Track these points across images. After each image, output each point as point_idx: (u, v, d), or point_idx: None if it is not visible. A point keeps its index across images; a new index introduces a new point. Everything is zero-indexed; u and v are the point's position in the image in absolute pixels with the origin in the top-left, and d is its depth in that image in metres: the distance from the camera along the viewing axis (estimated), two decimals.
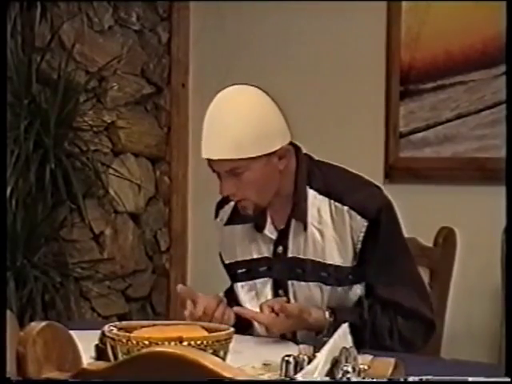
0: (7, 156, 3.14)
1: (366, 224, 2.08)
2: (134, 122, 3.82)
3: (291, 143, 2.13)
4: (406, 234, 2.26)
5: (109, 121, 3.73)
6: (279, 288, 2.15)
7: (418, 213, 3.23)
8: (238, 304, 2.20)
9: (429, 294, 2.22)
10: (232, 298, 2.24)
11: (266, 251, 2.18)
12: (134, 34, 3.84)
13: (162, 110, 3.96)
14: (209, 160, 2.07)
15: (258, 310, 2.08)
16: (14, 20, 3.35)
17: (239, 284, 2.22)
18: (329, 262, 2.10)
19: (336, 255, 2.10)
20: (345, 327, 1.54)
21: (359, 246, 2.09)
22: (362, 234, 2.08)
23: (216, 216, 2.32)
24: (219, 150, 2.03)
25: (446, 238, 2.48)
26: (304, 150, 2.21)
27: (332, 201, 2.11)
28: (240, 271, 2.22)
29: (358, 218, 2.08)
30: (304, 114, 3.38)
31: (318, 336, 2.05)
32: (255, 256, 2.19)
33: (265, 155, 2.05)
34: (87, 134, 3.60)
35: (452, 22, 3.24)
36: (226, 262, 2.28)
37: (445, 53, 3.25)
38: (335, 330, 1.89)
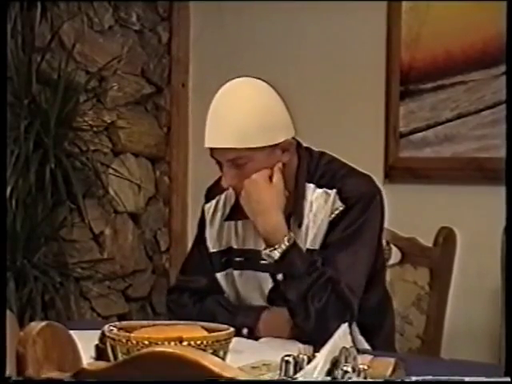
0: (7, 156, 3.14)
1: (341, 208, 2.07)
2: (133, 122, 3.82)
3: (293, 138, 2.13)
4: (383, 238, 2.24)
5: (109, 121, 3.73)
6: (276, 282, 2.15)
7: (418, 213, 3.24)
8: (221, 292, 2.21)
9: (357, 292, 2.07)
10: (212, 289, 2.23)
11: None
12: (134, 34, 3.84)
13: (161, 109, 3.96)
14: (211, 149, 2.06)
15: (262, 302, 2.13)
16: (14, 20, 3.35)
17: (235, 272, 2.20)
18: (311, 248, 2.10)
19: (314, 240, 2.10)
20: (345, 327, 1.54)
21: (325, 227, 2.08)
22: (333, 216, 2.08)
23: (206, 202, 2.29)
24: (222, 138, 2.02)
25: (446, 238, 2.48)
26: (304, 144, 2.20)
27: (324, 189, 2.11)
28: (238, 259, 2.21)
29: (338, 202, 2.08)
30: (304, 113, 3.37)
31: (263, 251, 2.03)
32: (255, 248, 2.16)
33: (268, 147, 2.05)
34: (87, 134, 3.60)
35: (452, 22, 3.24)
36: (214, 250, 2.24)
37: (445, 53, 3.25)
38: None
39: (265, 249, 2.04)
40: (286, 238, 2.02)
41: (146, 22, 3.88)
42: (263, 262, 2.13)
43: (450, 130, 3.26)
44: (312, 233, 2.10)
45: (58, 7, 3.54)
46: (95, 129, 3.65)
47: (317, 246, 2.09)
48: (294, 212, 2.13)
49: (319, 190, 2.12)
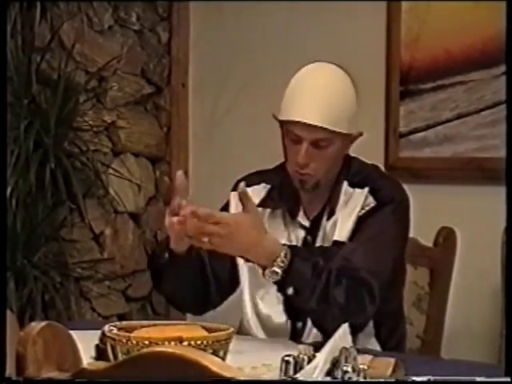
0: (7, 156, 3.13)
1: (372, 205, 2.07)
2: (133, 122, 3.82)
3: None
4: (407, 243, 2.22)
5: (109, 121, 3.73)
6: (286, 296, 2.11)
7: (417, 213, 3.23)
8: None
9: (378, 276, 2.03)
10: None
11: (294, 239, 2.13)
12: (133, 34, 3.84)
13: (162, 110, 3.96)
14: (292, 123, 2.03)
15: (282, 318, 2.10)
16: (14, 20, 3.35)
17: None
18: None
19: (341, 233, 2.09)
20: (345, 327, 1.54)
21: (354, 221, 2.07)
22: (364, 212, 2.07)
23: (233, 190, 2.18)
24: (317, 116, 2.00)
25: (446, 238, 2.48)
26: None
27: (357, 188, 2.11)
28: None
29: (370, 198, 2.08)
30: None
31: (264, 272, 1.95)
32: (283, 241, 2.09)
33: (346, 135, 2.06)
34: (87, 134, 3.59)
35: (452, 22, 3.24)
36: None
37: (445, 53, 3.25)
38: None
39: (265, 270, 1.96)
40: (283, 254, 1.95)
41: (145, 21, 3.88)
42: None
43: (450, 130, 3.26)
44: (341, 227, 2.08)
45: (57, 7, 3.53)
46: (95, 129, 3.65)
47: (345, 239, 2.08)
48: (328, 204, 2.12)
49: (350, 189, 2.12)
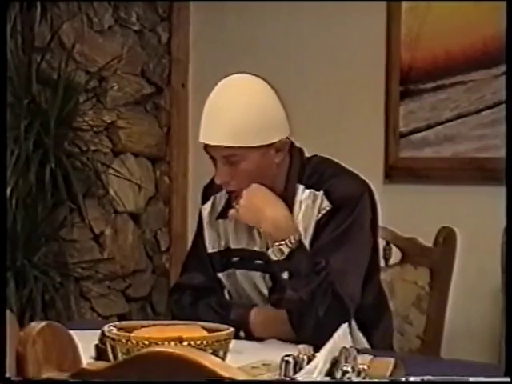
0: (7, 156, 3.14)
1: (328, 208, 2.06)
2: (134, 122, 3.82)
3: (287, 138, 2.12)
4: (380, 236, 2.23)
5: (109, 121, 3.73)
6: (273, 282, 2.13)
7: (418, 213, 3.24)
8: (220, 291, 2.20)
9: (355, 296, 2.05)
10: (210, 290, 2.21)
11: (258, 245, 2.14)
12: (133, 34, 3.84)
13: (162, 110, 3.96)
14: (206, 145, 2.06)
15: (261, 303, 2.11)
16: (14, 20, 3.35)
17: (238, 271, 2.19)
18: None
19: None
20: (345, 327, 1.54)
21: (313, 227, 2.07)
22: (320, 216, 2.06)
23: (203, 202, 2.27)
24: (217, 135, 2.02)
25: (446, 238, 2.48)
26: (297, 144, 2.19)
27: (312, 190, 2.10)
28: (235, 259, 2.18)
29: (326, 202, 2.06)
30: (304, 113, 3.38)
31: (272, 246, 1.99)
32: (249, 248, 2.14)
33: (263, 146, 2.04)
34: (87, 134, 3.60)
35: (452, 22, 3.24)
36: (214, 250, 2.22)
37: (445, 53, 3.25)
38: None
39: (272, 245, 2.01)
40: (295, 234, 2.00)
41: (145, 21, 3.88)
42: (258, 262, 2.12)
43: (450, 130, 3.26)
44: (302, 233, 2.07)
45: (57, 7, 3.54)
46: (95, 129, 3.65)
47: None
48: None
49: (307, 191, 2.10)
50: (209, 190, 2.27)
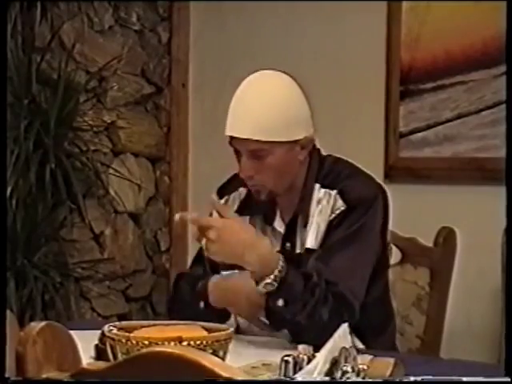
0: (7, 156, 3.14)
1: (342, 208, 2.06)
2: (134, 122, 3.82)
3: None
4: (390, 240, 2.21)
5: (109, 121, 3.73)
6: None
7: (418, 213, 3.24)
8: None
9: (358, 294, 2.03)
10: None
11: (274, 245, 2.12)
12: (134, 34, 3.84)
13: (162, 110, 3.96)
14: (232, 138, 2.06)
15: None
16: (14, 20, 3.35)
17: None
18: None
19: (313, 240, 2.08)
20: (345, 327, 1.54)
21: (324, 227, 2.06)
22: (333, 216, 2.06)
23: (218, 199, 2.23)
24: (246, 128, 2.02)
25: (446, 238, 2.48)
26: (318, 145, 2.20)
27: (327, 189, 2.10)
28: None
29: (340, 202, 2.07)
30: None
31: (259, 284, 1.94)
32: None
33: (288, 142, 2.05)
34: (87, 134, 3.60)
35: (452, 22, 3.24)
36: None
37: (445, 53, 3.25)
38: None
39: (260, 281, 1.93)
40: (280, 264, 1.93)
41: (146, 21, 3.88)
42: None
43: (450, 130, 3.26)
44: (312, 233, 2.09)
45: (57, 7, 3.54)
46: (95, 129, 3.65)
47: (316, 246, 2.08)
48: (300, 211, 2.12)
49: (323, 190, 2.11)
50: (225, 189, 2.27)
